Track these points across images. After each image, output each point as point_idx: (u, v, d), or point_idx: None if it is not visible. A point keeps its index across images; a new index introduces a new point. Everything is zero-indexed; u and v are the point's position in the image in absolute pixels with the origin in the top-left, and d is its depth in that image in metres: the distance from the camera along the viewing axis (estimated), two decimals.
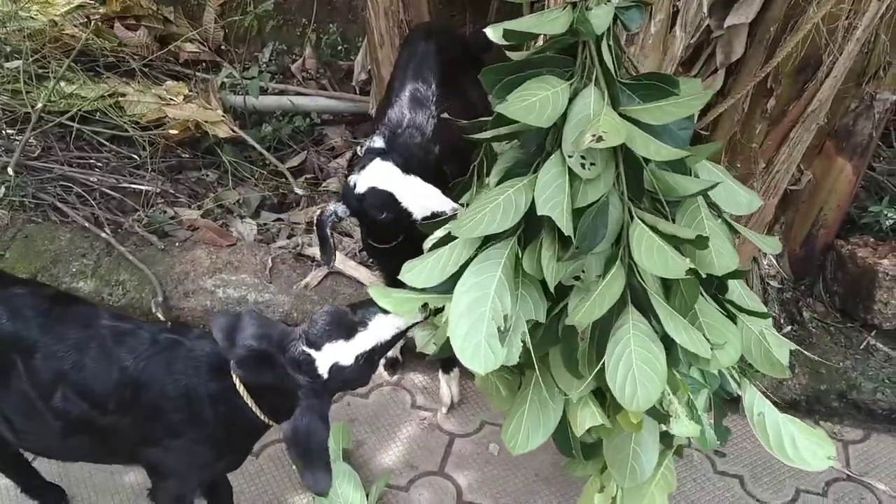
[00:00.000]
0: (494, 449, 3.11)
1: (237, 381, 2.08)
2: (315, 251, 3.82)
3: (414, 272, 1.88)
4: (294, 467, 2.97)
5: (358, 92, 4.75)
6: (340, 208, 2.57)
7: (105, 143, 4.50)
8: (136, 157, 4.45)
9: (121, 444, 2.25)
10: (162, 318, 3.57)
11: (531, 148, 1.91)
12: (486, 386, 2.19)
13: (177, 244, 3.91)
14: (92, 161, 4.46)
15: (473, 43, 3.46)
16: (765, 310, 2.05)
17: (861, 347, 3.36)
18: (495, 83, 1.88)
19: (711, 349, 1.79)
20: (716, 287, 1.98)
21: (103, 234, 3.88)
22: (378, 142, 2.76)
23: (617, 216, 1.82)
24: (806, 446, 1.92)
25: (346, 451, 3.04)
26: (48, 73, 4.53)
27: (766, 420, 1.96)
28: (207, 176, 4.51)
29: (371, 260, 3.61)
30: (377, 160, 2.53)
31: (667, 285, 1.86)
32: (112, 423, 2.17)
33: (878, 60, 3.02)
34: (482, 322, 1.73)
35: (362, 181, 2.51)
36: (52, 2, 4.75)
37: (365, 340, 2.00)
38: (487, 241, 1.87)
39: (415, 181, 2.47)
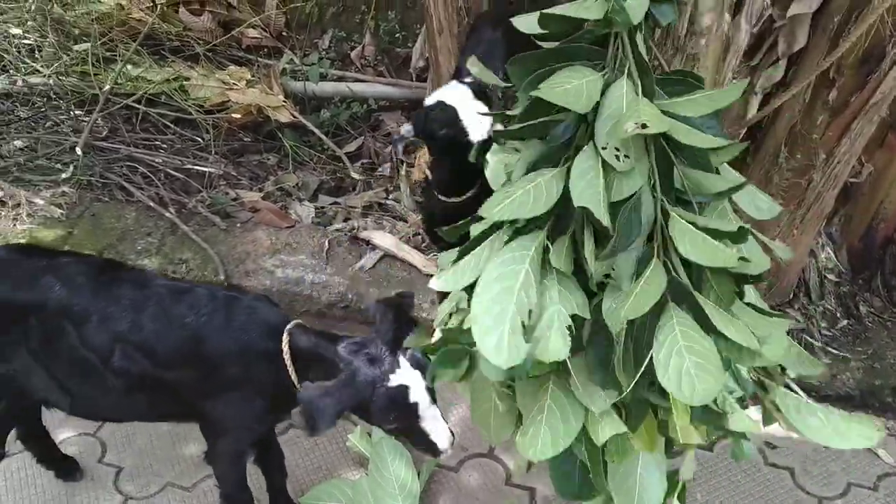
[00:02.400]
0: None
1: (285, 346, 2.15)
2: (369, 234, 3.89)
3: (442, 279, 1.83)
4: (347, 444, 3.05)
5: (415, 79, 4.80)
6: (406, 127, 2.60)
7: (170, 125, 4.62)
8: (199, 139, 4.56)
9: (181, 399, 2.32)
10: None
11: (557, 142, 1.84)
12: (483, 416, 2.09)
13: (238, 225, 4.01)
14: (157, 143, 4.58)
15: None
16: (780, 314, 1.93)
17: None
18: (523, 74, 1.82)
19: (759, 343, 1.73)
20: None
21: (168, 214, 3.99)
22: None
23: (649, 213, 1.76)
24: (851, 428, 1.86)
25: None
26: (115, 56, 4.67)
27: (804, 411, 1.91)
28: (268, 159, 4.61)
29: (433, 243, 3.62)
30: (454, 82, 2.58)
31: (699, 286, 1.80)
32: (175, 378, 2.24)
33: None
34: (506, 316, 1.67)
35: (433, 96, 2.55)
36: None
37: (426, 405, 2.09)
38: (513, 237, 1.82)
39: (481, 105, 2.48)
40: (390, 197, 4.26)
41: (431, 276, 3.58)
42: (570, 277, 1.81)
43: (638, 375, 1.74)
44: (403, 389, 2.05)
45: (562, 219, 1.78)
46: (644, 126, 1.59)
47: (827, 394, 3.20)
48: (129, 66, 4.60)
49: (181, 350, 2.21)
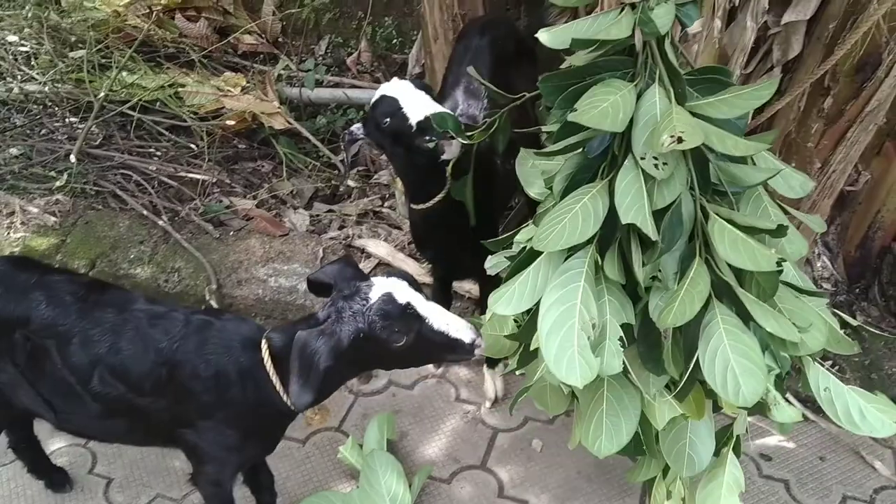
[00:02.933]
0: (537, 445, 3.11)
1: (265, 353, 2.12)
2: (364, 242, 3.87)
3: (502, 300, 1.84)
4: (339, 456, 3.02)
5: None
6: (356, 126, 2.72)
7: (164, 132, 4.61)
8: (193, 146, 4.54)
9: (158, 425, 2.30)
10: (215, 305, 3.65)
11: (595, 152, 1.88)
12: (539, 392, 2.19)
13: (231, 233, 3.99)
14: (151, 150, 4.57)
15: (528, 35, 3.47)
16: (815, 288, 2.02)
17: None
18: (556, 92, 1.84)
19: (799, 333, 1.78)
20: None
21: (161, 222, 3.98)
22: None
23: (689, 212, 1.80)
24: (873, 414, 1.93)
25: (391, 441, 3.07)
26: (111, 62, 4.66)
27: (833, 394, 1.97)
28: (262, 167, 4.59)
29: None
30: (395, 78, 2.67)
31: (739, 276, 1.82)
32: (148, 404, 2.23)
33: None
34: (572, 335, 1.72)
35: (377, 92, 2.64)
36: None
37: (423, 303, 2.03)
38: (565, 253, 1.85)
39: (421, 94, 2.57)
40: (385, 205, 4.24)
41: (425, 284, 3.58)
42: (617, 284, 1.87)
43: (689, 372, 1.79)
44: (388, 296, 2.01)
45: (607, 230, 1.82)
46: (680, 140, 1.61)
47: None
48: (124, 73, 4.60)
49: (153, 376, 2.19)
